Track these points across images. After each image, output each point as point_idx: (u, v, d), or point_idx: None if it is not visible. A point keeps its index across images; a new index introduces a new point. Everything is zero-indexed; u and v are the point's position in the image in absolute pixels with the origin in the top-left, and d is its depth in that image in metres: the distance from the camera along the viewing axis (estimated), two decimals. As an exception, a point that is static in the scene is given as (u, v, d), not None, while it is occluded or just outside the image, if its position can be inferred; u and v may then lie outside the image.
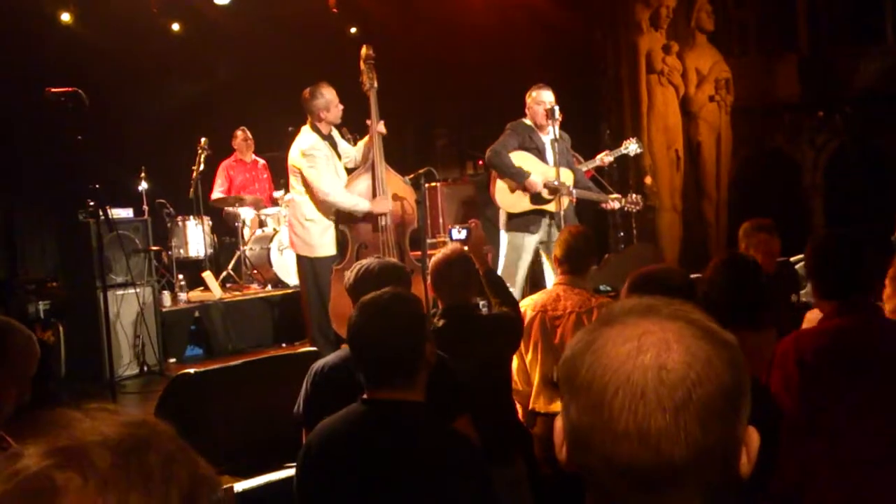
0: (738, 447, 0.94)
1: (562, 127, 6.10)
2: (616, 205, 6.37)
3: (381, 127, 5.66)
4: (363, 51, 5.74)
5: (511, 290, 4.28)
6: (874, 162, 9.57)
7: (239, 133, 8.68)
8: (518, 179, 5.84)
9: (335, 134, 5.82)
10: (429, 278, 3.60)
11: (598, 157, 6.72)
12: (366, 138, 5.77)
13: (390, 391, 2.17)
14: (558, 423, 1.00)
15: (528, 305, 3.96)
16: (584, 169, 6.64)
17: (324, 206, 5.64)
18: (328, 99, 5.61)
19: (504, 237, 5.98)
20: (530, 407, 3.89)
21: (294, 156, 5.68)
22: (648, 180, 9.23)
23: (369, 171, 5.66)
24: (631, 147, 6.75)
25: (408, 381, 2.17)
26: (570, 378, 0.95)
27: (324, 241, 5.68)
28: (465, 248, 3.68)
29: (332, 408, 2.34)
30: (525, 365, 3.93)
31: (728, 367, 0.92)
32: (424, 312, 2.38)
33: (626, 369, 0.91)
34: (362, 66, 5.72)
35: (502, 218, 6.05)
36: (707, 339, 0.93)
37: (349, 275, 3.05)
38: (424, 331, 2.27)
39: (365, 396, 2.20)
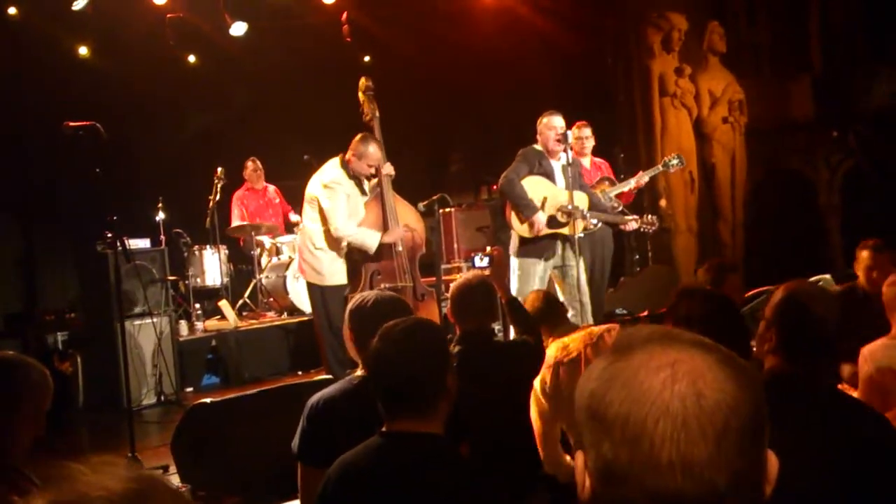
0: (764, 471, 0.94)
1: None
2: (633, 226, 6.38)
3: (389, 169, 5.69)
4: (362, 82, 5.78)
5: None
6: (890, 181, 9.51)
7: (249, 164, 8.78)
8: (525, 213, 5.83)
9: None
10: (447, 304, 3.58)
11: (635, 178, 6.75)
12: (376, 179, 5.79)
13: (409, 423, 2.09)
14: (579, 461, 0.98)
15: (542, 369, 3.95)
16: (622, 190, 6.67)
17: (335, 237, 5.67)
18: (369, 154, 5.62)
19: (515, 263, 5.97)
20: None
21: (314, 186, 5.71)
22: (663, 203, 9.21)
23: (377, 202, 5.68)
24: (673, 162, 6.78)
25: (427, 413, 2.10)
26: (600, 413, 0.92)
27: (334, 270, 5.70)
28: (488, 274, 3.67)
29: (329, 442, 2.30)
30: (549, 413, 3.92)
31: (753, 392, 0.92)
32: (448, 342, 2.29)
33: (664, 399, 0.89)
34: (361, 97, 5.76)
35: (514, 244, 6.05)
36: (730, 365, 0.93)
37: (350, 304, 2.91)
38: (447, 361, 2.18)
39: (384, 429, 2.12)
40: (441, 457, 2.10)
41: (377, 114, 5.70)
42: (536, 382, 3.77)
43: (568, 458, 3.94)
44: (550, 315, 4.05)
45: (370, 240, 5.55)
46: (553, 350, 3.94)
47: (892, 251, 4.50)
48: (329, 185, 5.59)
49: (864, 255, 4.47)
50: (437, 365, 2.13)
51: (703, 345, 0.95)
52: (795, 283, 2.43)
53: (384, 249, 5.63)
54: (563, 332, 4.05)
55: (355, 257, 5.64)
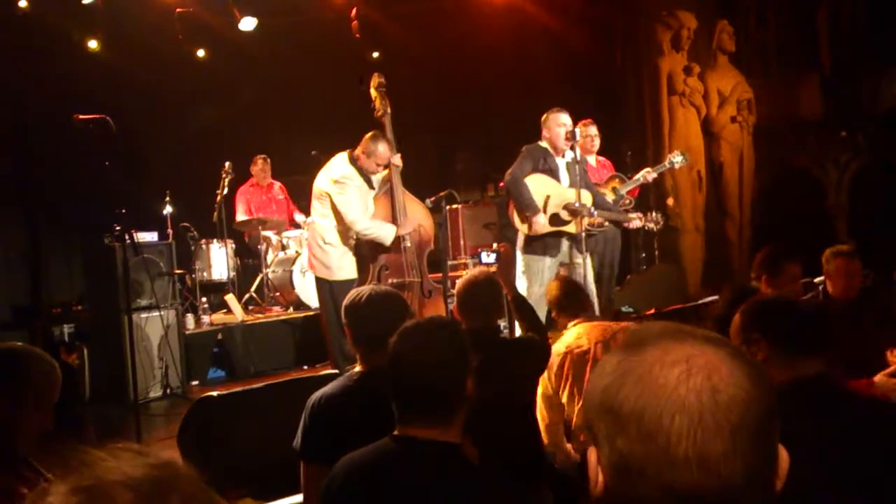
0: (776, 465, 0.94)
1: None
2: (636, 223, 6.39)
3: (397, 160, 5.70)
4: (375, 79, 5.80)
5: None
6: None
7: (259, 161, 8.80)
8: (527, 212, 5.82)
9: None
10: (453, 300, 3.59)
11: (641, 173, 6.76)
12: (385, 171, 5.80)
13: (425, 429, 1.99)
14: (592, 457, 0.98)
15: (553, 353, 3.96)
16: (630, 188, 6.69)
17: (345, 231, 5.67)
18: (379, 153, 5.64)
19: (520, 259, 5.96)
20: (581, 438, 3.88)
21: (323, 181, 5.71)
22: (671, 201, 9.20)
23: (386, 197, 5.69)
24: (676, 159, 6.79)
25: (445, 420, 2.00)
26: (614, 409, 0.92)
27: (343, 265, 5.71)
28: (494, 271, 3.68)
29: (330, 439, 2.27)
30: (556, 399, 3.94)
31: (765, 387, 0.92)
32: (468, 344, 2.15)
33: (680, 394, 0.89)
34: (374, 93, 5.77)
35: (520, 240, 6.04)
36: (742, 361, 0.93)
37: (345, 300, 2.90)
38: (468, 364, 2.08)
39: (396, 433, 2.03)
40: (460, 469, 1.99)
41: (389, 110, 5.72)
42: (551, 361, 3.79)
43: (569, 446, 3.96)
44: (570, 303, 4.09)
45: (385, 232, 5.56)
46: (569, 337, 3.96)
47: (859, 258, 4.50)
48: (339, 180, 5.60)
49: (839, 262, 4.40)
50: (458, 369, 2.05)
51: (715, 340, 0.95)
52: (758, 298, 2.42)
53: (392, 244, 5.64)
54: (587, 318, 4.07)
55: (363, 252, 5.65)
